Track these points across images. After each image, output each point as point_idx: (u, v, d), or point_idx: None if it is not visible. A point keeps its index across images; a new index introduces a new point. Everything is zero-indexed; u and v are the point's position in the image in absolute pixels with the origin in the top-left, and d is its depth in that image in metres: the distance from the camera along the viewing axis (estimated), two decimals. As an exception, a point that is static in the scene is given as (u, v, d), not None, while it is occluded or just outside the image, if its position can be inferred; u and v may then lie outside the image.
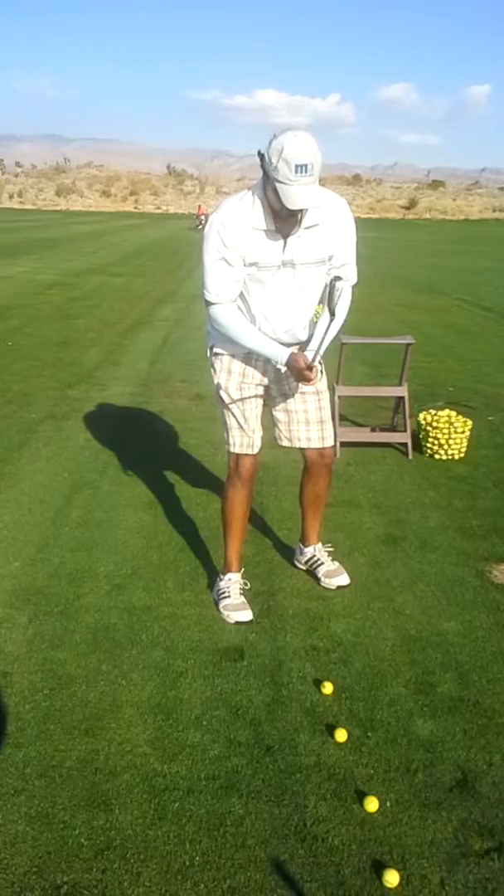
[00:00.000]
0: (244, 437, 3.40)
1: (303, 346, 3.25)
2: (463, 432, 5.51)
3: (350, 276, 3.16)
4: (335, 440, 3.61)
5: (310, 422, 3.43)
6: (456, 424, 5.49)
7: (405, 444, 5.64)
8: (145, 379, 8.03)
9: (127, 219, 61.66)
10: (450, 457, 5.54)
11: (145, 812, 2.36)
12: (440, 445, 5.52)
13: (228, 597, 3.50)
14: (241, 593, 3.53)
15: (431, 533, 4.36)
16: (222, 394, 3.37)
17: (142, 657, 3.15)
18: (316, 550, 3.77)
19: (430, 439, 5.55)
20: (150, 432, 6.22)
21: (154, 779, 2.49)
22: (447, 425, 5.49)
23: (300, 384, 3.26)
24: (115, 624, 3.38)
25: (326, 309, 3.13)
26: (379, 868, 2.16)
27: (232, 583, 3.55)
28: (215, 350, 3.35)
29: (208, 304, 3.11)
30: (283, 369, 3.18)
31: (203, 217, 45.88)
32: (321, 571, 3.68)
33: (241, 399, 3.34)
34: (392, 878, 2.11)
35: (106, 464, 5.37)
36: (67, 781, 2.47)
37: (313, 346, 3.19)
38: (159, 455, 5.58)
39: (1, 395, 7.18)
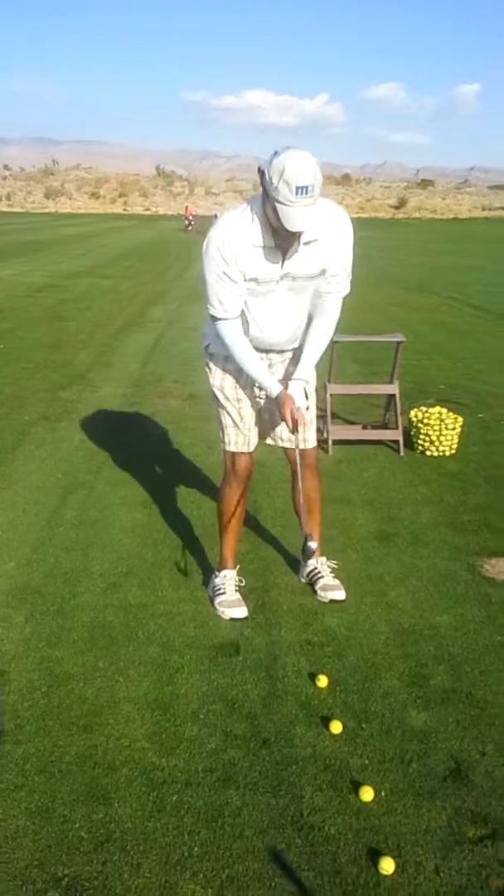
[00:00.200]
0: (240, 436, 3.43)
1: (295, 353, 3.30)
2: (454, 429, 5.56)
3: (341, 288, 3.16)
4: (328, 438, 3.63)
5: (304, 415, 3.43)
6: (447, 421, 5.54)
7: (397, 441, 5.69)
8: (137, 380, 8.06)
9: (116, 220, 61.60)
10: (441, 453, 5.59)
11: (144, 805, 2.39)
12: (431, 442, 5.57)
13: (224, 593, 3.53)
14: (236, 590, 3.56)
15: (423, 528, 4.40)
16: (217, 392, 3.40)
17: (138, 654, 3.18)
18: (318, 563, 3.75)
19: (422, 436, 5.59)
20: (143, 433, 6.25)
21: (152, 772, 2.52)
22: (438, 422, 5.54)
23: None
24: (111, 622, 3.41)
25: (312, 326, 3.19)
26: (375, 856, 2.20)
27: (227, 579, 3.58)
28: (210, 350, 3.37)
29: (214, 319, 3.11)
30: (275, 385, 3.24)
31: (191, 218, 45.76)
32: (319, 584, 3.67)
33: (237, 398, 3.37)
34: (388, 865, 2.15)
35: (100, 464, 5.40)
36: (67, 776, 2.50)
37: (302, 373, 3.23)
38: (153, 455, 5.61)
39: (-7, 398, 7.20)
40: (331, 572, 3.72)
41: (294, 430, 3.25)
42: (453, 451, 5.61)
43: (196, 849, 2.23)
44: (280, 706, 2.85)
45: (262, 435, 3.55)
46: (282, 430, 3.49)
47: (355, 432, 5.92)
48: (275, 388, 3.19)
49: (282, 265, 2.97)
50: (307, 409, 3.42)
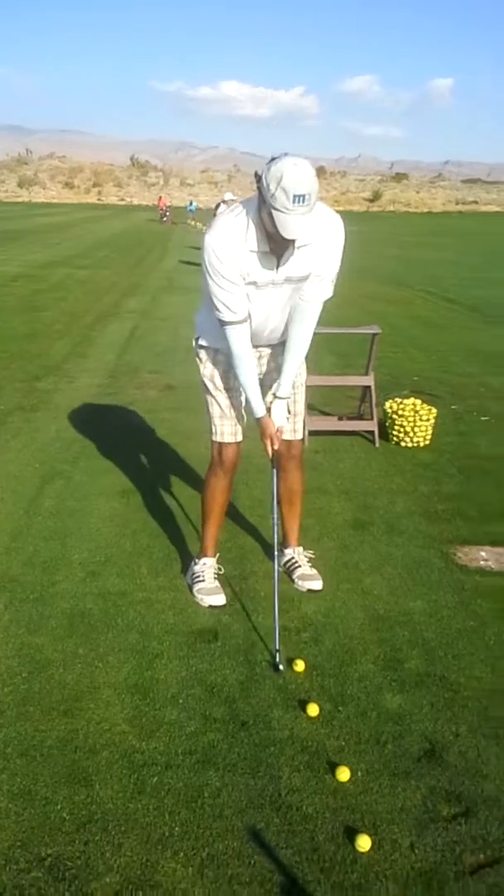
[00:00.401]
0: (227, 426, 3.46)
1: (275, 351, 3.36)
2: (428, 420, 5.63)
3: (322, 293, 3.17)
4: (305, 429, 3.67)
5: (283, 434, 3.45)
6: (421, 413, 5.61)
7: (372, 432, 5.75)
8: (114, 370, 8.06)
9: (91, 210, 61.23)
10: (415, 444, 5.66)
11: (125, 787, 2.43)
12: (406, 433, 5.64)
13: (203, 581, 3.57)
14: (215, 577, 3.60)
15: (398, 517, 4.47)
16: (207, 382, 3.43)
17: (118, 640, 3.21)
18: (296, 553, 3.80)
19: (397, 427, 5.66)
20: (120, 423, 6.26)
21: (133, 755, 2.56)
22: (413, 413, 5.61)
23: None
24: (90, 609, 3.44)
25: (291, 335, 3.23)
26: (351, 834, 2.25)
27: (207, 567, 3.62)
28: (201, 342, 3.40)
29: (223, 324, 3.10)
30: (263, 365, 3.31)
31: (164, 209, 45.50)
32: (296, 574, 3.72)
33: (227, 388, 3.40)
34: (364, 842, 2.21)
35: (77, 454, 5.41)
36: (48, 759, 2.53)
37: (284, 391, 3.30)
38: (130, 445, 5.63)
39: (-31, 388, 7.17)
40: (308, 562, 3.77)
41: (270, 454, 3.35)
42: (427, 442, 5.69)
43: (176, 828, 2.28)
44: (258, 690, 2.90)
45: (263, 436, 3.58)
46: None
47: (331, 423, 5.98)
48: (260, 410, 3.27)
49: (277, 269, 2.99)
50: (294, 402, 3.49)
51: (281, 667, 3.02)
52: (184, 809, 2.35)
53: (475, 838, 2.26)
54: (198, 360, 3.45)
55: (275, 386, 3.35)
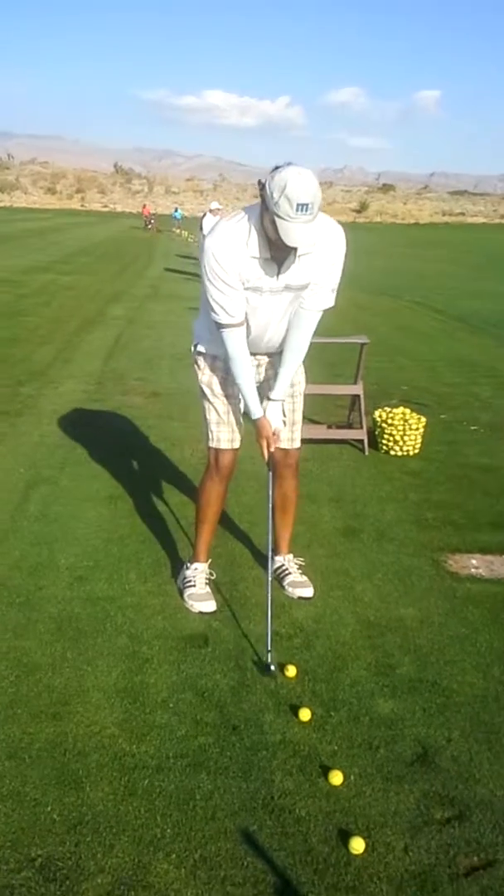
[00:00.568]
0: (224, 432, 3.45)
1: (274, 360, 3.36)
2: (417, 429, 5.66)
3: (322, 302, 3.18)
4: (300, 441, 3.67)
5: (280, 437, 3.46)
6: (410, 422, 5.64)
7: (361, 441, 5.77)
8: (99, 377, 8.03)
9: (74, 216, 61.21)
10: (405, 453, 5.68)
11: (116, 789, 2.41)
12: (395, 442, 5.66)
13: (194, 586, 3.56)
14: (206, 583, 3.59)
15: (388, 525, 4.48)
16: (206, 388, 3.42)
17: (107, 645, 3.19)
18: (286, 561, 3.81)
19: (386, 436, 5.68)
20: (106, 429, 6.23)
21: (123, 758, 2.54)
22: (402, 422, 5.63)
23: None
24: (78, 614, 3.41)
25: (288, 341, 3.24)
26: (345, 836, 2.24)
27: (199, 572, 3.61)
28: (199, 349, 3.40)
29: (220, 326, 3.12)
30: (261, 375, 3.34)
31: (148, 217, 45.52)
32: (287, 581, 3.72)
33: (224, 394, 3.40)
34: (358, 845, 2.20)
35: (63, 460, 5.38)
36: (37, 762, 2.51)
37: (279, 394, 3.31)
38: (117, 451, 5.60)
39: (-47, 392, 7.12)
40: (298, 569, 3.77)
41: (267, 456, 3.36)
42: (417, 451, 5.71)
43: (168, 830, 2.26)
44: (249, 695, 2.89)
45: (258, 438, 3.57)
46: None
47: (321, 432, 5.99)
48: (256, 412, 3.28)
49: (277, 277, 3.00)
50: (293, 410, 3.50)
51: (272, 667, 3.02)
52: (175, 812, 2.33)
53: (468, 841, 2.26)
54: (196, 366, 3.45)
55: (272, 390, 3.35)
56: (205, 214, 17.71)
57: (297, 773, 2.50)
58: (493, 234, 60.13)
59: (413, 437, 5.65)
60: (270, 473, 3.48)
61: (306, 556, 3.90)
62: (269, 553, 3.48)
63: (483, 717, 2.81)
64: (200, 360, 3.42)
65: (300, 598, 3.62)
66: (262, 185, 2.81)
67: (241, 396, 3.34)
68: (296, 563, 3.80)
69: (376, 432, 5.77)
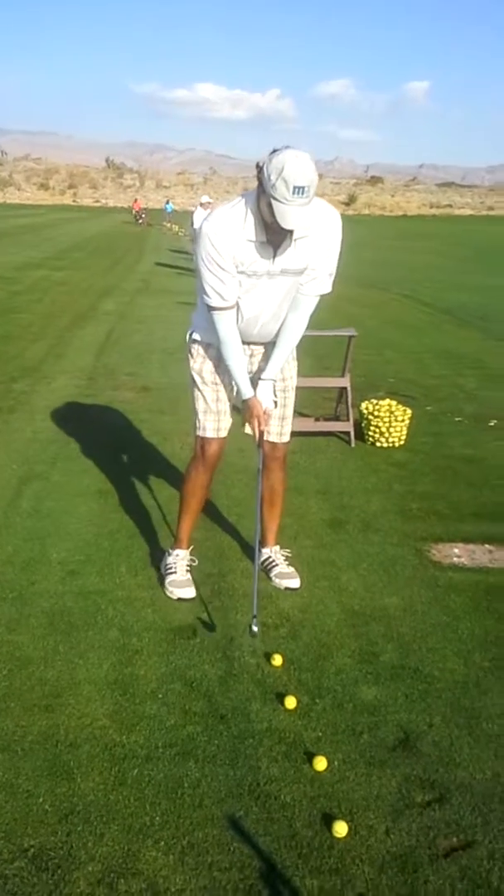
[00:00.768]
0: (211, 421, 3.49)
1: (267, 349, 3.40)
2: (403, 421, 5.72)
3: (319, 287, 3.24)
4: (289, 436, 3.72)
5: (271, 416, 3.51)
6: (396, 414, 5.70)
7: (348, 433, 5.83)
8: (91, 372, 8.07)
9: (66, 212, 60.98)
10: (390, 444, 5.74)
11: (106, 779, 2.47)
12: (381, 434, 5.72)
13: (175, 573, 3.63)
14: (187, 570, 3.66)
15: (373, 516, 4.54)
16: (196, 376, 3.46)
17: (98, 638, 3.25)
18: (273, 552, 3.86)
19: (372, 428, 5.74)
20: (98, 424, 6.28)
21: (113, 748, 2.60)
22: (388, 414, 5.69)
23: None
24: (70, 607, 3.47)
25: (285, 323, 3.28)
26: (328, 820, 2.31)
27: (179, 559, 3.68)
28: (194, 337, 3.44)
29: (211, 309, 3.17)
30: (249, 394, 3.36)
31: (138, 211, 45.43)
32: (274, 572, 3.78)
33: (214, 383, 3.44)
34: (341, 828, 2.27)
35: (55, 455, 5.43)
36: (29, 754, 2.57)
37: (270, 373, 3.35)
38: (108, 446, 5.65)
39: None
40: (284, 560, 3.83)
41: (259, 434, 3.40)
42: (402, 442, 5.77)
43: (157, 818, 2.33)
44: (237, 684, 2.96)
45: (243, 423, 3.59)
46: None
47: (308, 424, 6.04)
48: (247, 392, 3.33)
49: (273, 260, 3.05)
50: (284, 405, 3.55)
51: (255, 628, 3.10)
52: (164, 800, 2.40)
53: (448, 823, 2.33)
54: (189, 354, 3.49)
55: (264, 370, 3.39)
56: (197, 209, 17.75)
57: (282, 760, 2.57)
58: (481, 227, 60.12)
59: (399, 429, 5.71)
60: (261, 453, 3.52)
61: (293, 548, 3.96)
62: (257, 522, 3.56)
63: (464, 702, 2.88)
64: (194, 348, 3.46)
65: (287, 588, 3.69)
66: (259, 168, 2.85)
67: (232, 381, 3.39)
68: (282, 555, 3.86)
69: (363, 424, 5.83)
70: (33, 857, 2.19)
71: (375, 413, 5.72)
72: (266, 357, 3.42)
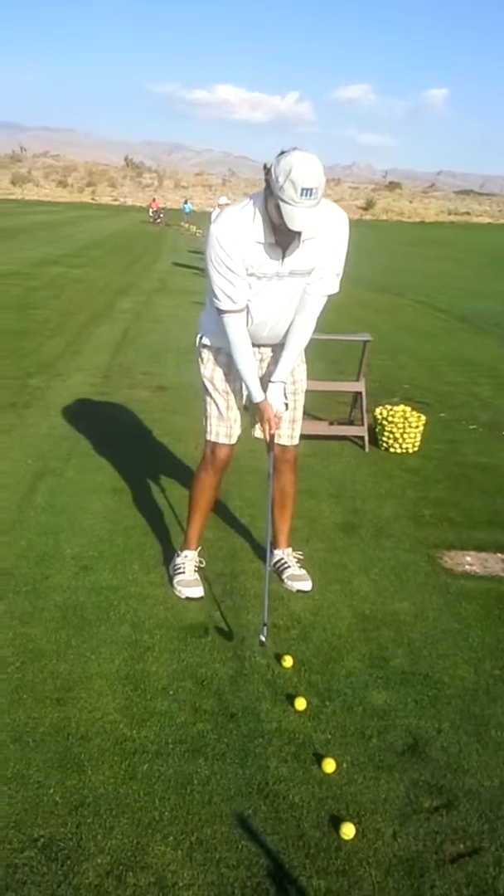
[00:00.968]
0: (222, 427, 3.52)
1: (276, 350, 3.41)
2: (417, 427, 5.73)
3: (326, 287, 3.23)
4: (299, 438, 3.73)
5: (281, 419, 3.52)
6: (410, 419, 5.71)
7: (362, 438, 5.85)
8: (107, 370, 8.11)
9: (84, 210, 61.20)
10: (404, 450, 5.75)
11: (116, 773, 2.49)
12: (395, 439, 5.73)
13: (183, 573, 3.66)
14: (195, 570, 3.69)
15: (386, 521, 4.56)
16: (207, 383, 3.48)
17: (110, 633, 3.27)
18: (285, 554, 3.88)
19: (386, 433, 5.75)
20: (112, 422, 6.32)
21: (124, 743, 2.62)
22: (402, 420, 5.70)
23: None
24: (83, 602, 3.50)
25: (293, 324, 3.29)
26: (336, 822, 2.33)
27: (188, 560, 3.70)
28: (204, 341, 3.46)
29: (221, 312, 3.18)
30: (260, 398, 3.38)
31: (155, 210, 45.54)
32: (286, 574, 3.79)
33: (225, 390, 3.46)
34: (348, 830, 2.28)
35: (69, 451, 5.46)
36: (41, 746, 2.59)
37: (281, 375, 3.36)
38: (122, 444, 5.69)
39: (-38, 383, 7.20)
40: (297, 562, 3.85)
41: (270, 437, 3.42)
42: (416, 448, 5.78)
43: (166, 813, 2.34)
44: (247, 684, 2.97)
45: (254, 428, 3.62)
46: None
47: (322, 428, 6.06)
48: (258, 395, 3.34)
49: (282, 262, 3.06)
50: (294, 408, 3.56)
51: (263, 637, 3.10)
52: (173, 795, 2.41)
53: (455, 829, 2.34)
54: (199, 359, 3.50)
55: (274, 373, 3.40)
56: (215, 210, 17.80)
57: (291, 761, 2.58)
58: (499, 235, 60.05)
59: (413, 435, 5.72)
60: (272, 456, 3.54)
61: (305, 551, 3.98)
62: (269, 525, 3.58)
63: (473, 709, 2.89)
64: (204, 353, 3.47)
65: (298, 591, 3.70)
66: (267, 170, 2.85)
67: (243, 385, 3.41)
68: (294, 557, 3.87)
69: (377, 429, 5.84)
70: (43, 847, 2.21)
71: (389, 418, 5.73)
72: (275, 359, 3.43)
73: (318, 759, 2.58)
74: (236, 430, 3.55)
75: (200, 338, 3.48)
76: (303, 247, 3.03)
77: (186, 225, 38.81)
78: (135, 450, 5.58)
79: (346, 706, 2.87)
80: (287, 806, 2.40)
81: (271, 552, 3.71)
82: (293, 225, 2.81)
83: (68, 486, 4.84)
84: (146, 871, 2.15)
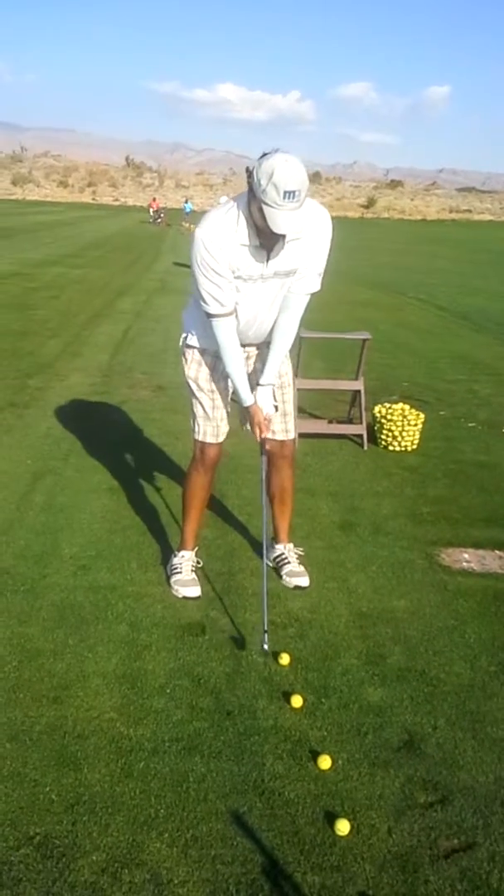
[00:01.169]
0: (209, 426, 3.53)
1: (262, 351, 3.42)
2: (415, 425, 5.73)
3: (309, 286, 3.24)
4: (294, 432, 3.74)
5: (272, 421, 3.52)
6: (409, 418, 5.71)
7: (361, 436, 5.85)
8: (106, 370, 8.12)
9: (85, 210, 61.24)
10: (403, 448, 5.75)
11: (112, 771, 2.50)
12: (394, 437, 5.74)
13: (180, 573, 3.67)
14: (192, 570, 3.70)
15: (384, 519, 4.56)
16: (192, 383, 3.49)
17: (107, 632, 3.28)
18: (286, 549, 3.88)
19: (385, 431, 5.76)
20: (111, 422, 6.33)
21: (120, 741, 2.63)
22: (401, 418, 5.70)
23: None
24: (80, 602, 3.50)
25: (277, 324, 3.30)
26: (331, 818, 2.33)
27: (185, 560, 3.71)
28: (188, 341, 3.46)
29: (210, 316, 3.18)
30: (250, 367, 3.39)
31: (156, 210, 45.57)
32: (285, 570, 3.80)
33: (210, 389, 3.47)
34: (343, 826, 2.29)
35: (68, 451, 5.47)
36: (37, 744, 2.60)
37: (269, 378, 3.37)
38: (121, 444, 5.70)
39: (-38, 383, 7.22)
40: (297, 558, 3.85)
41: (261, 440, 3.43)
42: (414, 447, 5.79)
43: (162, 811, 2.35)
44: (244, 682, 2.98)
45: (243, 423, 3.62)
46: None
47: (321, 426, 6.07)
48: (247, 399, 3.35)
49: (267, 264, 3.05)
50: (284, 402, 3.56)
51: (265, 646, 3.10)
52: (169, 793, 2.42)
53: (450, 825, 2.35)
54: (183, 359, 3.51)
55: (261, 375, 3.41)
56: (213, 208, 17.79)
57: (287, 758, 2.59)
58: (500, 232, 60.03)
59: (411, 433, 5.72)
60: (264, 460, 3.54)
61: (304, 548, 3.98)
62: (265, 533, 3.59)
63: (468, 706, 2.90)
64: (188, 354, 3.48)
65: (296, 586, 3.71)
66: (249, 173, 2.83)
67: (231, 386, 3.41)
68: (295, 553, 3.88)
69: (376, 428, 5.84)
70: (38, 844, 2.22)
71: (388, 417, 5.73)
72: (261, 358, 3.44)
73: (314, 755, 2.59)
74: (224, 429, 3.56)
75: (185, 338, 3.48)
76: (287, 248, 3.02)
77: (187, 225, 38.78)
78: (133, 450, 5.59)
79: (343, 703, 2.88)
80: (282, 802, 2.40)
81: (269, 550, 3.72)
82: (277, 228, 2.80)
83: (67, 485, 4.85)
84: (141, 867, 2.15)
